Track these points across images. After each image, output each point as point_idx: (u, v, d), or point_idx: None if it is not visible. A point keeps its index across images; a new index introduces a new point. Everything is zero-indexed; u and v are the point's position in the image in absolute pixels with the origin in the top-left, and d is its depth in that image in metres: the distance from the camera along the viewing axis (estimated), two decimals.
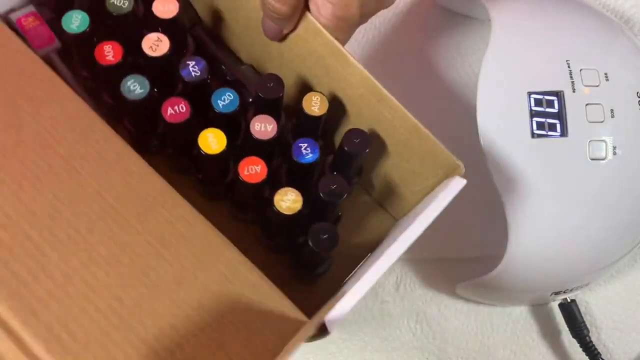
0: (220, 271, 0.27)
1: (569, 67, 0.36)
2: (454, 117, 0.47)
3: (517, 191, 0.36)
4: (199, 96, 0.32)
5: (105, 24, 0.32)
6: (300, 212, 0.31)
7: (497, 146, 0.36)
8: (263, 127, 0.32)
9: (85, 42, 0.31)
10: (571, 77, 0.36)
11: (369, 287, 0.26)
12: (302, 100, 0.33)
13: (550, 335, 0.45)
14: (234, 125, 0.34)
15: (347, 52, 0.31)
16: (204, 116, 0.32)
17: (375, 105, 0.32)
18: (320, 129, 0.34)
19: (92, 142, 0.27)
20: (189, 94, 0.32)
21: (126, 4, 0.32)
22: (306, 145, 0.32)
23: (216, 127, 0.31)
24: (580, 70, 0.36)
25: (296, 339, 0.26)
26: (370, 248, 0.36)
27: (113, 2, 0.31)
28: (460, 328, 0.45)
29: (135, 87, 0.31)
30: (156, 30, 0.32)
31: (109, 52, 0.31)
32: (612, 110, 0.35)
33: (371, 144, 0.32)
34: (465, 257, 0.46)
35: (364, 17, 0.31)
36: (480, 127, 0.36)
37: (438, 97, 0.48)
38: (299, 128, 0.34)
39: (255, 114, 0.32)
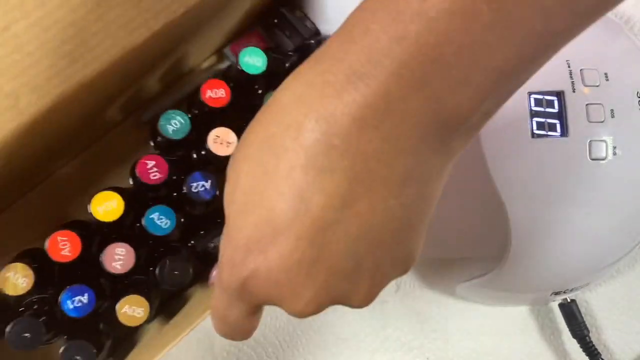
0: None
1: (569, 67, 0.36)
2: None
3: (517, 191, 0.36)
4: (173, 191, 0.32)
5: None
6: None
7: (497, 146, 0.36)
8: (119, 260, 0.31)
9: None
10: (571, 77, 0.36)
11: None
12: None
13: (550, 335, 0.45)
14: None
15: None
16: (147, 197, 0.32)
17: None
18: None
19: None
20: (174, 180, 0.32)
21: None
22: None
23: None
24: (581, 70, 0.36)
25: None
26: None
27: None
28: (460, 328, 0.45)
29: (176, 126, 0.32)
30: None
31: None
32: (612, 111, 0.35)
33: None
34: (465, 257, 0.45)
35: (250, 307, 0.22)
36: None
37: None
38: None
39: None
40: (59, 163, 0.37)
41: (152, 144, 0.36)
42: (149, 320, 0.32)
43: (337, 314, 0.44)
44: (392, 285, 0.45)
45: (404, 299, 0.45)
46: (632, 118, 0.36)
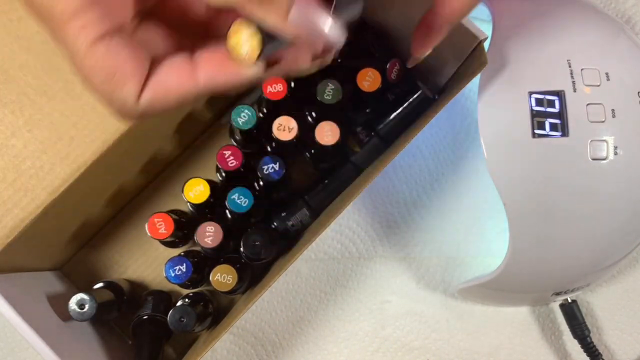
0: None
1: (570, 66, 0.36)
2: (454, 118, 0.47)
3: (517, 191, 0.36)
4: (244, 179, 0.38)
5: None
6: None
7: (497, 146, 0.36)
8: (210, 236, 0.36)
9: None
10: (572, 77, 0.36)
11: None
12: None
13: (551, 335, 0.45)
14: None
15: None
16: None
17: None
18: None
19: None
20: (247, 166, 0.37)
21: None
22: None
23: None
24: (581, 69, 0.36)
25: None
26: None
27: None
28: (460, 328, 0.45)
29: (245, 118, 0.36)
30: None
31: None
32: (613, 110, 0.35)
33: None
34: (466, 257, 0.45)
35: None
36: (481, 127, 0.36)
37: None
38: None
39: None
40: (166, 161, 0.44)
41: (231, 139, 0.42)
42: (239, 289, 0.38)
43: (337, 313, 0.44)
44: (392, 284, 0.45)
45: (404, 299, 0.45)
46: (633, 118, 0.36)
